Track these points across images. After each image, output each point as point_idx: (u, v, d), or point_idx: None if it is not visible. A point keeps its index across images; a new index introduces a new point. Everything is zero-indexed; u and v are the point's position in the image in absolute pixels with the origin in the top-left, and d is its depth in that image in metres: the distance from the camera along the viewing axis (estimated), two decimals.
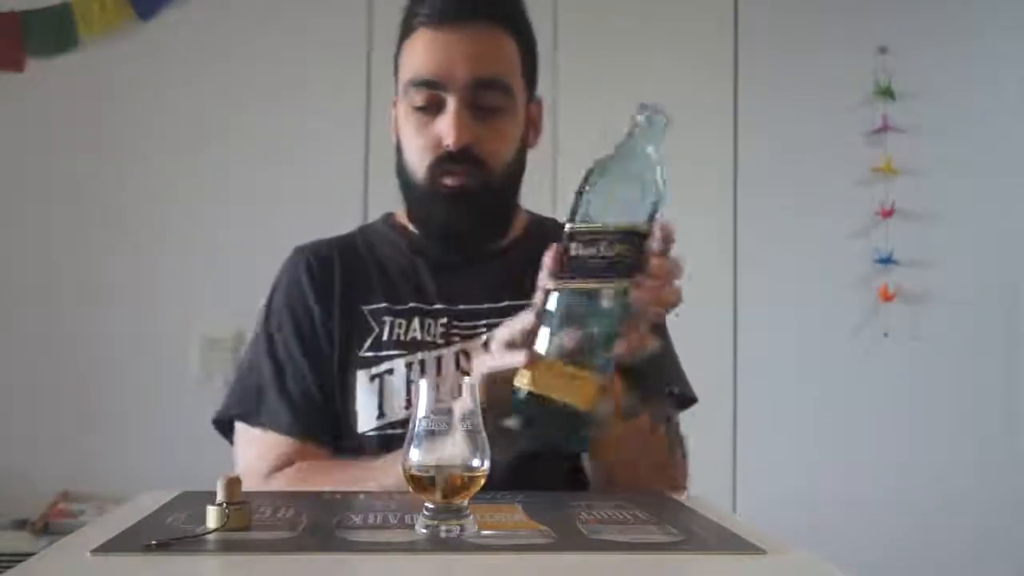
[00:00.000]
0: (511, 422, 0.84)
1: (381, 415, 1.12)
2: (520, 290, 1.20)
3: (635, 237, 0.83)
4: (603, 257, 0.83)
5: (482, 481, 0.75)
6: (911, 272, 2.55)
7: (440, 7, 1.14)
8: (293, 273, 1.24)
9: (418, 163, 1.17)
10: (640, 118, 0.86)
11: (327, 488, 0.99)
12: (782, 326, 2.49)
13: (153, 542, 0.70)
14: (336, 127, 2.50)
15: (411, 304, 1.17)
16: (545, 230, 1.29)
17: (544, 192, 2.45)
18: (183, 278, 2.46)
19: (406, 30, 1.18)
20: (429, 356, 1.14)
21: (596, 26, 2.52)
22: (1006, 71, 2.62)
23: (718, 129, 2.56)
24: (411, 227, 1.25)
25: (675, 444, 1.19)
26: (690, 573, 0.71)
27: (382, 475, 0.99)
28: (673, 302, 0.87)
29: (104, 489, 2.32)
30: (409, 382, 1.13)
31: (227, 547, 0.71)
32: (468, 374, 1.13)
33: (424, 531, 0.74)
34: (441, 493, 0.74)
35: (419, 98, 1.15)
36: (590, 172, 0.85)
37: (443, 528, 0.74)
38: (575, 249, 0.83)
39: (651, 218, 0.84)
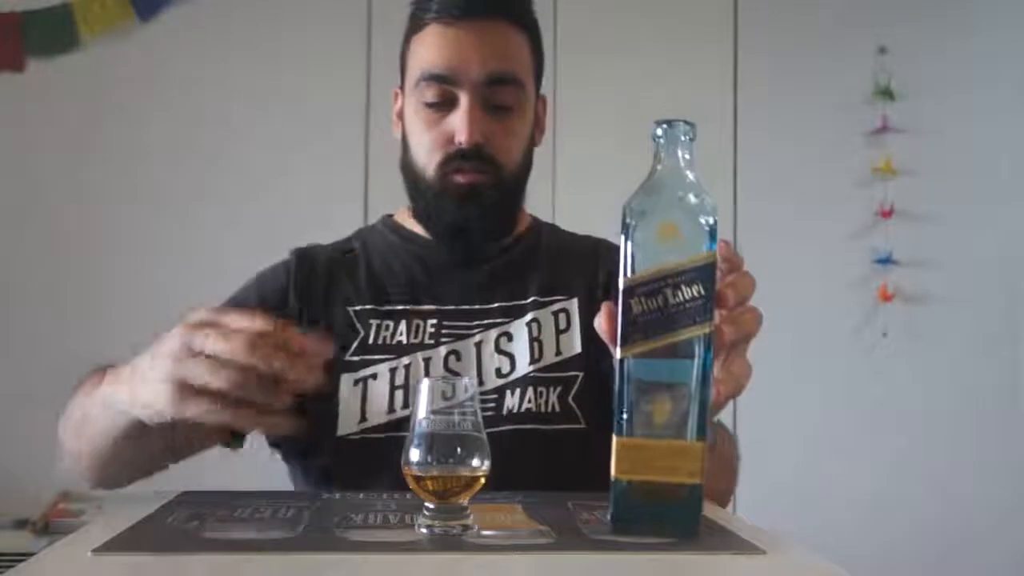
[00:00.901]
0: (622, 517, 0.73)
1: (363, 419, 1.11)
2: (512, 292, 1.20)
3: (704, 271, 0.71)
4: (673, 306, 0.71)
5: (482, 481, 0.75)
6: (911, 272, 2.56)
7: (453, 2, 1.13)
8: (274, 269, 1.24)
9: (427, 160, 1.15)
10: (659, 133, 0.76)
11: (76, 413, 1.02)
12: (782, 326, 2.48)
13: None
14: (336, 127, 2.50)
15: (400, 306, 1.16)
16: (540, 234, 1.29)
17: (544, 192, 2.46)
18: (183, 278, 2.46)
19: (416, 25, 1.17)
20: (417, 358, 1.13)
21: (596, 26, 2.52)
22: (1006, 71, 2.62)
23: (718, 129, 2.56)
24: (409, 227, 1.25)
25: (732, 442, 1.19)
26: (690, 573, 0.71)
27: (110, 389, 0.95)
28: (757, 328, 0.78)
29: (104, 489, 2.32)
30: (393, 387, 1.11)
31: (227, 547, 0.71)
32: (459, 374, 1.13)
33: (424, 531, 0.74)
34: (441, 493, 0.74)
35: (430, 93, 1.14)
36: (625, 216, 0.73)
37: (443, 528, 0.74)
38: (637, 305, 0.71)
39: (713, 241, 0.72)
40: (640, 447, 0.72)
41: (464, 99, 1.13)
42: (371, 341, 1.14)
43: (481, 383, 1.14)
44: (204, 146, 2.50)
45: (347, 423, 1.11)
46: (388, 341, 1.14)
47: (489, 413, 1.13)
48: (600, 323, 0.75)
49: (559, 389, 1.16)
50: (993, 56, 2.63)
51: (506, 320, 1.17)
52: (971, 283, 2.57)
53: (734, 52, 2.60)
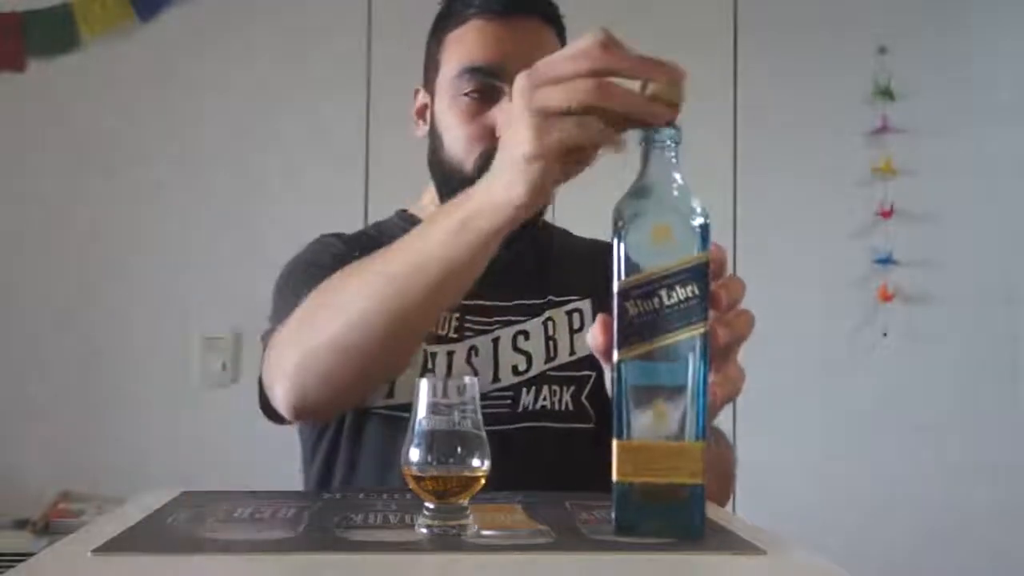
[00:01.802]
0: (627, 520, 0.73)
1: (391, 395, 1.12)
2: (530, 290, 1.21)
3: (697, 271, 0.72)
4: (668, 307, 0.71)
5: (482, 481, 0.75)
6: (911, 272, 2.56)
7: None
8: (319, 243, 1.22)
9: (466, 154, 1.15)
10: (645, 136, 0.76)
11: (347, 289, 0.94)
12: (782, 326, 2.48)
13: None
14: (336, 127, 2.50)
15: None
16: (552, 235, 1.30)
17: None
18: (183, 277, 2.46)
19: (453, 20, 1.17)
20: (441, 350, 1.14)
21: (595, 26, 2.52)
22: (1005, 71, 2.62)
23: (718, 129, 2.56)
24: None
25: (729, 448, 1.20)
26: (690, 573, 0.71)
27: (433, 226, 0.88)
28: (750, 331, 0.78)
29: (104, 489, 2.32)
30: (424, 368, 1.12)
31: (227, 547, 0.71)
32: (477, 371, 1.14)
33: (424, 531, 0.74)
34: (441, 493, 0.74)
35: (471, 86, 1.13)
36: (616, 220, 0.73)
37: (443, 528, 0.74)
38: (632, 308, 0.72)
39: (705, 241, 0.72)
40: (640, 449, 0.72)
41: (509, 93, 1.13)
42: None
43: (498, 379, 1.15)
44: (204, 146, 2.50)
45: (376, 395, 1.11)
46: None
47: (505, 410, 1.14)
48: (594, 334, 0.74)
49: (572, 388, 1.17)
50: (993, 56, 2.63)
51: (523, 318, 1.18)
52: (971, 283, 2.57)
53: (734, 52, 2.59)
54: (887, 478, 2.51)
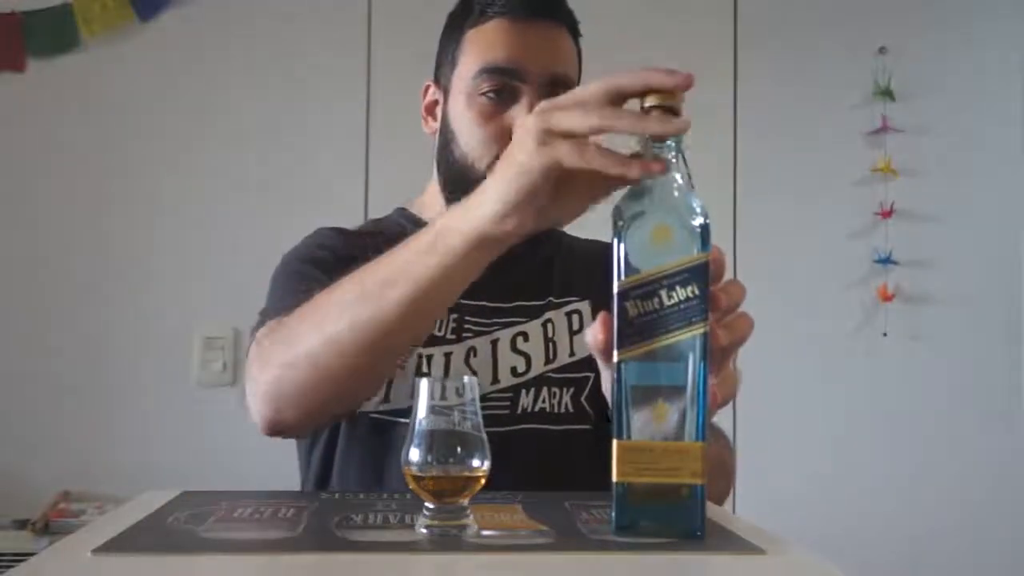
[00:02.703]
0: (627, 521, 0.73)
1: (386, 400, 1.11)
2: (530, 292, 1.20)
3: (697, 271, 0.71)
4: (668, 307, 0.71)
5: (482, 481, 0.75)
6: (911, 272, 2.56)
7: (520, 1, 1.14)
8: (312, 235, 1.22)
9: (482, 153, 1.14)
10: (645, 136, 0.76)
11: (324, 304, 0.93)
12: (782, 326, 2.49)
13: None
14: (336, 127, 2.50)
15: None
16: (551, 235, 1.29)
17: None
18: (182, 277, 2.46)
19: (476, 17, 1.17)
20: (438, 351, 1.14)
21: (596, 26, 2.52)
22: (1006, 71, 2.62)
23: (718, 129, 2.56)
24: (428, 219, 1.24)
25: (727, 443, 1.20)
26: (690, 573, 0.71)
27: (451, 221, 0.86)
28: (749, 333, 0.78)
29: (104, 489, 2.32)
30: (419, 372, 1.11)
31: (227, 547, 0.71)
32: (475, 372, 1.13)
33: (424, 531, 0.74)
34: (441, 493, 0.74)
35: (490, 85, 1.13)
36: (616, 220, 0.73)
37: (443, 528, 0.74)
38: (632, 308, 0.72)
39: (705, 242, 0.72)
40: (640, 449, 0.72)
41: (527, 94, 1.13)
42: None
43: (497, 381, 1.14)
44: (204, 146, 2.49)
45: (371, 401, 1.10)
46: None
47: (504, 412, 1.13)
48: (594, 332, 0.74)
49: (572, 390, 1.16)
50: (993, 56, 2.63)
51: (523, 320, 1.18)
52: (971, 283, 2.57)
53: (734, 52, 2.59)
54: (887, 478, 2.51)
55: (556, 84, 1.14)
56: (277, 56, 2.52)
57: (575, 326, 1.19)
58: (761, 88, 2.58)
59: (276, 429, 1.04)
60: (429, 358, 1.13)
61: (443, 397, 0.75)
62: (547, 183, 0.79)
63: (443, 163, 1.20)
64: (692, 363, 0.72)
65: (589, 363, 1.13)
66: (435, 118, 1.23)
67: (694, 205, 0.73)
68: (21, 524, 2.21)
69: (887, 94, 2.56)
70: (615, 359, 0.72)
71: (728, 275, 0.78)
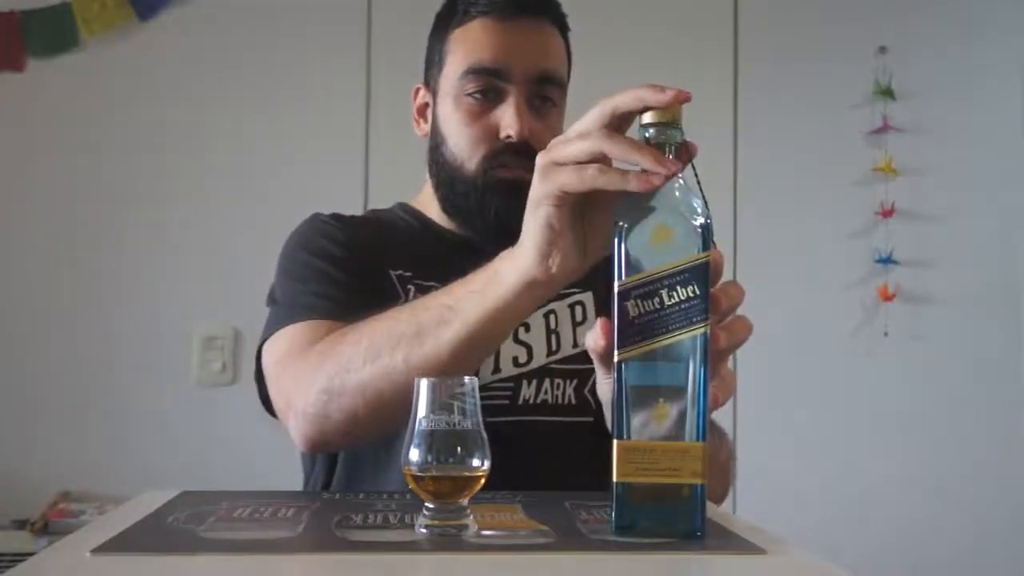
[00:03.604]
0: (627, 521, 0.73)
1: None
2: None
3: (698, 271, 0.71)
4: (669, 307, 0.71)
5: (482, 481, 0.75)
6: (911, 272, 2.55)
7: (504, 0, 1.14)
8: (313, 222, 1.22)
9: (470, 154, 1.15)
10: (646, 136, 0.76)
11: (378, 335, 0.94)
12: (782, 326, 2.49)
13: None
14: (336, 127, 2.50)
15: (429, 282, 1.13)
16: None
17: None
18: (183, 278, 2.46)
19: (459, 18, 1.17)
20: None
21: (596, 26, 2.52)
22: (1006, 71, 2.62)
23: (718, 129, 2.56)
24: (429, 215, 1.24)
25: (726, 441, 1.19)
26: (690, 573, 0.71)
27: (466, 290, 0.90)
28: (748, 337, 0.78)
29: (104, 489, 2.32)
30: None
31: (227, 547, 0.71)
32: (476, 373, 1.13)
33: (424, 531, 0.74)
34: (441, 493, 0.74)
35: (476, 86, 1.14)
36: (617, 220, 0.73)
37: (443, 528, 0.74)
38: (633, 308, 0.72)
39: (706, 242, 0.72)
40: (641, 449, 0.72)
41: (514, 93, 1.13)
42: None
43: (499, 370, 1.14)
44: (204, 145, 2.49)
45: None
46: None
47: (504, 402, 1.13)
48: (595, 338, 0.75)
49: (575, 381, 1.16)
50: (993, 56, 2.62)
51: None
52: (971, 283, 2.57)
53: (734, 52, 2.59)
54: (887, 478, 2.51)
55: (544, 81, 1.14)
56: (277, 56, 2.52)
57: (578, 317, 1.19)
58: (761, 88, 2.58)
59: (318, 448, 1.05)
60: None
61: (443, 397, 0.75)
62: (563, 213, 0.81)
63: (434, 165, 1.20)
64: (692, 363, 0.72)
65: None
66: (426, 121, 1.23)
67: (695, 205, 0.73)
68: (21, 524, 2.21)
69: (887, 94, 2.56)
70: (615, 359, 0.72)
71: (728, 275, 0.78)
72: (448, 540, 0.72)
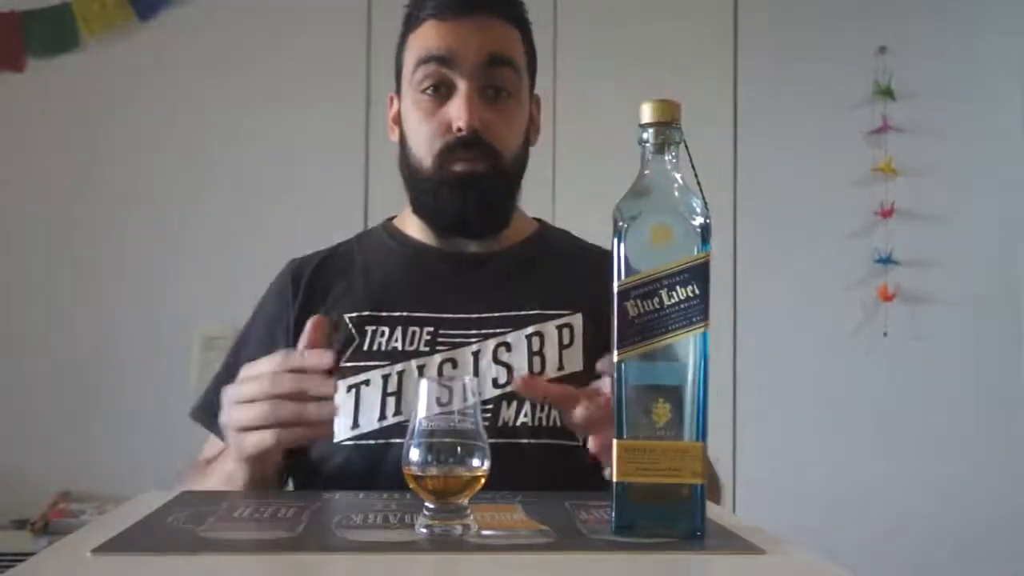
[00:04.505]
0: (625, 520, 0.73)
1: (356, 425, 1.10)
2: (511, 302, 1.18)
3: (697, 271, 0.72)
4: (668, 307, 0.71)
5: (482, 481, 0.75)
6: (911, 272, 2.56)
7: (449, 1, 1.15)
8: (276, 283, 1.25)
9: (426, 151, 1.15)
10: (646, 137, 0.76)
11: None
12: (782, 326, 2.49)
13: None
14: (336, 128, 2.50)
15: (396, 312, 1.15)
16: (545, 240, 1.28)
17: (543, 195, 2.46)
18: (183, 278, 2.46)
19: (411, 25, 1.19)
20: (410, 365, 1.12)
21: (596, 26, 2.52)
22: (1006, 71, 2.62)
23: (718, 129, 2.56)
24: (408, 232, 1.24)
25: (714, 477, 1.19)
26: (690, 573, 0.71)
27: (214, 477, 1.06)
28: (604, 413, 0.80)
29: (104, 489, 2.32)
30: (385, 394, 1.10)
31: (227, 547, 0.71)
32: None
33: (424, 531, 0.74)
34: (441, 493, 0.74)
35: (428, 78, 1.15)
36: (616, 220, 0.73)
37: (443, 528, 0.74)
38: (633, 308, 0.72)
39: (705, 241, 0.73)
40: (640, 449, 0.72)
41: (462, 84, 1.13)
42: (366, 348, 1.13)
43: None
44: (204, 146, 2.50)
45: (341, 429, 1.09)
46: (383, 348, 1.13)
47: (484, 424, 1.11)
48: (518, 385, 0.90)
49: None
50: (993, 56, 2.63)
51: (505, 330, 1.16)
52: (971, 283, 2.57)
53: (734, 52, 2.59)
54: (887, 478, 2.51)
55: (493, 63, 1.14)
56: (277, 56, 2.52)
57: (566, 340, 1.17)
58: (761, 88, 2.58)
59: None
60: (401, 373, 1.12)
61: (443, 399, 0.75)
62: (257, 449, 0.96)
63: (403, 168, 1.22)
64: (692, 363, 0.72)
65: (578, 379, 1.10)
66: (398, 126, 1.24)
67: (694, 204, 0.73)
68: (21, 524, 2.21)
69: (887, 94, 2.56)
70: (615, 359, 0.72)
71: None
72: (448, 540, 0.72)
